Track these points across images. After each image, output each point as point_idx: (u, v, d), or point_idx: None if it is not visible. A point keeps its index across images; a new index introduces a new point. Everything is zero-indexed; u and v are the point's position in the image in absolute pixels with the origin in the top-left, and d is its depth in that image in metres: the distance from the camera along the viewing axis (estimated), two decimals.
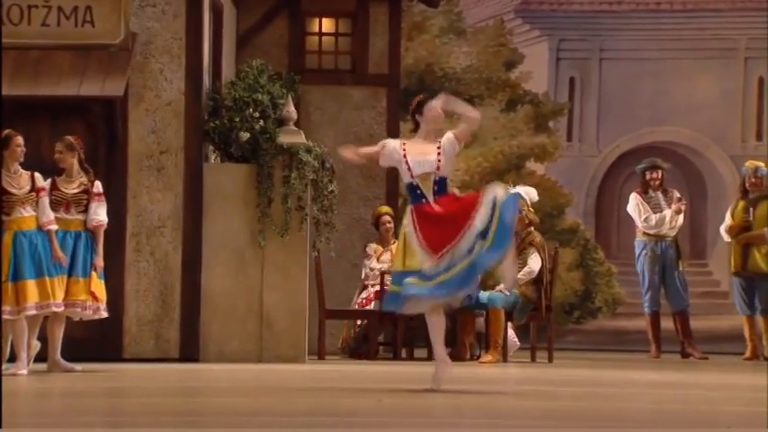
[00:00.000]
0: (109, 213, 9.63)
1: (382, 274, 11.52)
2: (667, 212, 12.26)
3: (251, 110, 10.73)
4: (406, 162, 7.75)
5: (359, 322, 11.73)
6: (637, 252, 12.39)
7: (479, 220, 7.56)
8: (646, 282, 12.34)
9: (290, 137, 10.84)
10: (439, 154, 7.73)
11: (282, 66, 12.28)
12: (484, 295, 11.49)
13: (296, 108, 11.05)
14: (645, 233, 12.29)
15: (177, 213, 10.67)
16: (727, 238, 12.38)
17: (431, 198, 7.73)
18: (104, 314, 9.53)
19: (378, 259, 11.84)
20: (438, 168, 7.71)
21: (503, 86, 15.66)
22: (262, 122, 10.75)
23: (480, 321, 11.65)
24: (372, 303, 11.59)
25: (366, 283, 11.82)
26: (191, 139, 10.71)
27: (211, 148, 11.00)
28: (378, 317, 11.44)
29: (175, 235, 10.65)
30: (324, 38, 12.68)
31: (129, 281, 10.61)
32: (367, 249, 11.97)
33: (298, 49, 12.56)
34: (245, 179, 10.76)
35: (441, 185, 7.74)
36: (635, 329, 14.50)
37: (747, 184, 12.31)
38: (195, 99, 10.72)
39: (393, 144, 7.88)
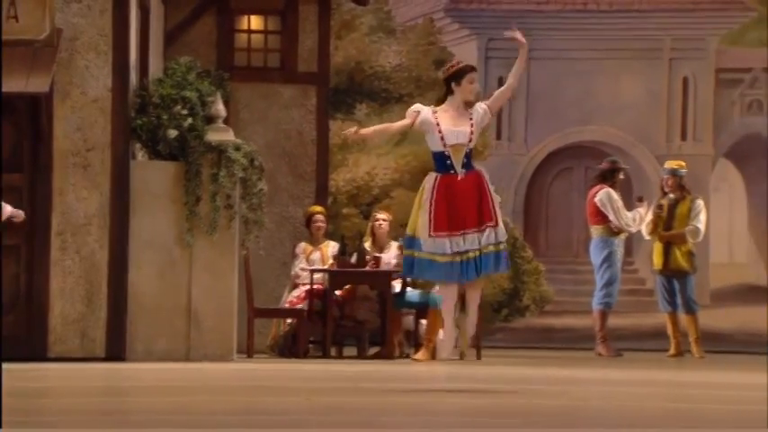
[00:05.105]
0: (34, 211, 9.53)
1: (312, 272, 11.51)
2: (639, 210, 12.31)
3: (179, 107, 10.66)
4: (440, 131, 7.79)
5: (288, 321, 11.70)
6: (613, 248, 12.14)
7: (486, 237, 7.78)
8: (618, 276, 12.24)
9: (219, 134, 10.78)
10: (472, 126, 7.83)
11: (211, 63, 12.21)
12: (413, 294, 11.51)
13: (225, 106, 10.99)
14: (616, 231, 12.25)
15: (104, 211, 10.57)
16: (647, 236, 12.52)
17: (459, 170, 7.81)
18: None
19: (307, 258, 11.82)
20: (470, 141, 7.81)
21: (432, 85, 15.68)
22: (190, 120, 10.68)
23: (408, 320, 11.67)
24: (303, 302, 11.57)
25: (297, 282, 11.79)
26: (117, 136, 10.62)
27: (138, 145, 10.91)
28: (307, 316, 11.42)
29: (102, 233, 10.56)
30: (253, 35, 12.63)
31: (55, 279, 10.49)
32: (296, 249, 11.94)
33: (226, 46, 12.50)
34: (173, 177, 10.69)
35: (469, 158, 7.83)
36: (563, 327, 14.59)
37: (665, 185, 12.46)
38: (122, 96, 10.63)
39: (425, 112, 7.87)
